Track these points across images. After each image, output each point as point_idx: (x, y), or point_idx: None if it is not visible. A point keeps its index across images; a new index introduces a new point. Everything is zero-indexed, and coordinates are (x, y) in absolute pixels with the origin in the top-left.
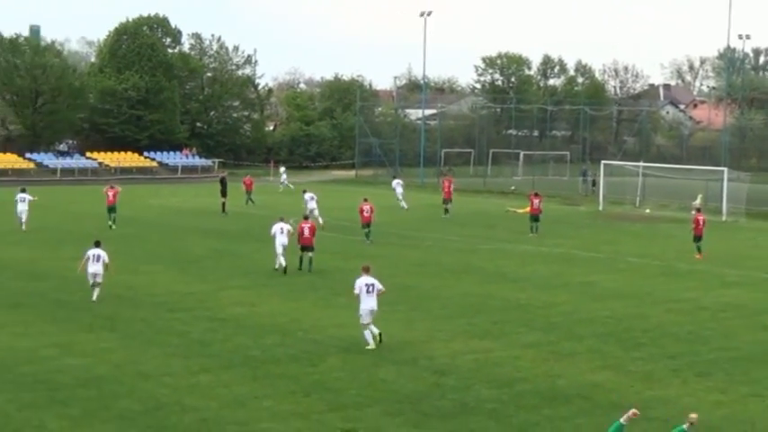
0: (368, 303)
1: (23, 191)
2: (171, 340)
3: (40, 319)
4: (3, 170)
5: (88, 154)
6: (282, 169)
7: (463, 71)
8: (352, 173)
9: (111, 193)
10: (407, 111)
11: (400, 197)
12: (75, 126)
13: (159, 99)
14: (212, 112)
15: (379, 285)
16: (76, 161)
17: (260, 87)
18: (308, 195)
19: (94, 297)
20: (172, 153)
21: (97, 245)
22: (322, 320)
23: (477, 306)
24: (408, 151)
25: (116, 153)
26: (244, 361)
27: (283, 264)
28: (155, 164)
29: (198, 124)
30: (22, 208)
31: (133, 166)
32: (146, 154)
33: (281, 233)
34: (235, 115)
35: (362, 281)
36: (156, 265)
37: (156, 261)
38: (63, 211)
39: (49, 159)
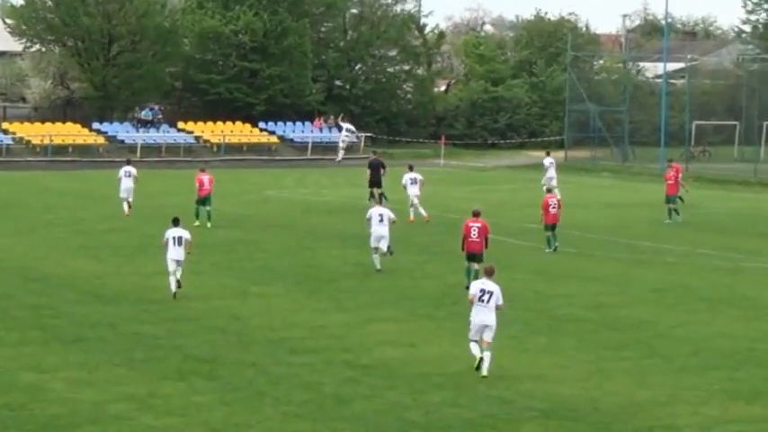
0: (481, 316)
1: (128, 163)
2: (293, 395)
3: (109, 361)
4: (61, 147)
5: (180, 124)
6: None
7: (725, 8)
8: (559, 154)
9: (206, 179)
10: (641, 65)
11: (552, 183)
12: (163, 85)
13: (283, 46)
14: (358, 66)
15: (499, 297)
16: (163, 134)
17: (427, 31)
18: (409, 176)
19: (173, 288)
20: (299, 124)
21: (176, 223)
22: (513, 369)
23: (743, 354)
24: (643, 124)
25: (220, 123)
26: (399, 427)
27: (378, 266)
28: (274, 139)
29: (337, 83)
30: (127, 185)
31: (244, 142)
32: (262, 125)
33: (379, 222)
34: (390, 70)
35: (479, 285)
36: (274, 286)
37: (274, 279)
38: (143, 205)
39: (125, 132)
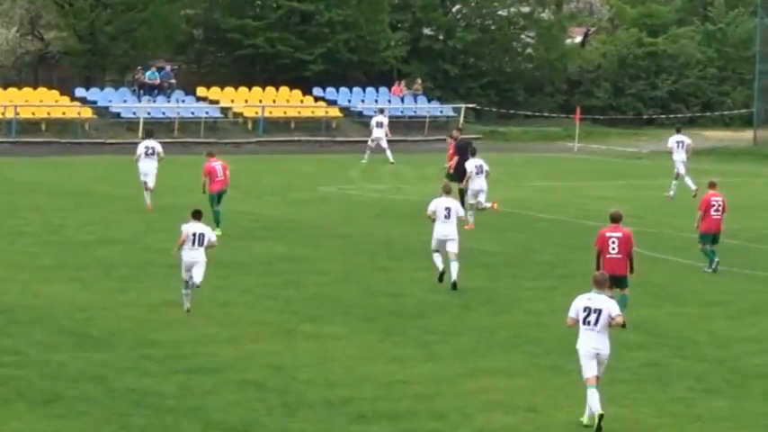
0: (591, 343)
1: (149, 136)
2: None
3: (97, 429)
4: (31, 122)
5: (201, 91)
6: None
7: None
8: (746, 135)
9: (219, 167)
10: None
11: (680, 169)
12: (177, 34)
13: None
14: (456, 8)
15: (611, 311)
16: (177, 105)
17: None
18: (474, 163)
19: (188, 304)
20: (371, 91)
21: (197, 216)
22: None
23: None
24: None
25: (257, 90)
26: None
27: (439, 268)
28: (336, 112)
29: (426, 31)
30: (148, 168)
31: (291, 116)
32: (318, 92)
33: (444, 218)
34: (502, 13)
35: (583, 303)
36: (334, 324)
37: (334, 314)
38: (145, 206)
39: (121, 101)
